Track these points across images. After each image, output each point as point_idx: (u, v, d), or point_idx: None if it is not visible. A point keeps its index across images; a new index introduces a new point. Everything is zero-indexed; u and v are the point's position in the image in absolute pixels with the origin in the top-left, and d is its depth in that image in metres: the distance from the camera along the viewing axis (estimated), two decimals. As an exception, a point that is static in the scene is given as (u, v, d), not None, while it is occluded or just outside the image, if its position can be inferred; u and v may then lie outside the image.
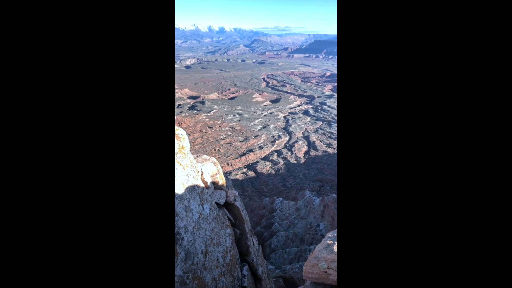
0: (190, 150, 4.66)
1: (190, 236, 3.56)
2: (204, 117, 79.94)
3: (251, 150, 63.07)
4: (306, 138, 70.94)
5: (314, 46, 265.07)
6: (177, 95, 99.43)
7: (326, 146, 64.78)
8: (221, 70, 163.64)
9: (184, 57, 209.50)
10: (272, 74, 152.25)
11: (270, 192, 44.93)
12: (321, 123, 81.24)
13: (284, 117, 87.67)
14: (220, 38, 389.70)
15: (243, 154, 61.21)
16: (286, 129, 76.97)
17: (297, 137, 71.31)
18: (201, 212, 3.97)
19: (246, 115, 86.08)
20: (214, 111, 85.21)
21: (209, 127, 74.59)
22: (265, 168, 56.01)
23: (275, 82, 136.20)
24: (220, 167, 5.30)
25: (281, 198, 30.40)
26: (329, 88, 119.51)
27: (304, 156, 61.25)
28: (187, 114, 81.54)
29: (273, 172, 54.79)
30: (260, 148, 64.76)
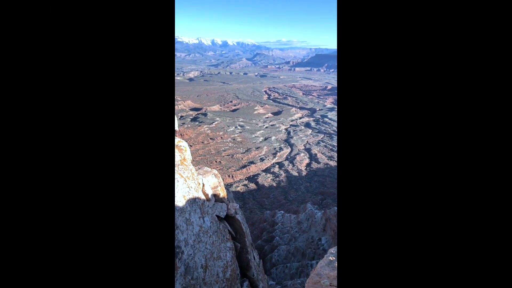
0: (191, 162, 4.66)
1: (190, 250, 3.50)
2: (206, 128, 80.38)
3: (252, 162, 62.94)
4: (308, 150, 70.87)
5: (316, 60, 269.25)
6: (179, 106, 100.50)
7: (328, 159, 64.60)
8: (224, 82, 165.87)
9: (188, 69, 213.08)
10: (274, 87, 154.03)
11: (271, 205, 44.48)
12: (323, 135, 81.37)
13: (286, 129, 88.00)
14: (223, 52, 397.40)
15: (244, 166, 61.05)
16: (287, 141, 77.08)
17: (298, 149, 71.27)
18: (201, 225, 3.92)
19: (248, 127, 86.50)
20: (216, 122, 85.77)
21: (210, 138, 74.84)
22: (266, 180, 55.69)
23: (276, 94, 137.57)
24: (221, 179, 5.28)
25: (282, 211, 30.05)
26: (330, 101, 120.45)
27: (305, 169, 60.98)
28: (189, 125, 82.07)
29: (274, 184, 54.42)
30: (262, 160, 64.64)
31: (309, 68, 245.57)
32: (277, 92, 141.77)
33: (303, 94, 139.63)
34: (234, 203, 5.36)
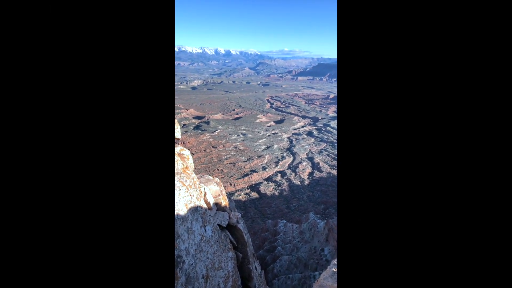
0: (193, 170, 4.65)
1: (191, 260, 3.46)
2: (209, 136, 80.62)
3: (254, 171, 62.74)
4: (310, 159, 70.62)
5: (318, 69, 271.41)
6: (182, 115, 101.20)
7: (330, 168, 64.23)
8: (227, 91, 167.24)
9: (191, 78, 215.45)
10: (276, 96, 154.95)
11: (274, 214, 44.06)
12: (325, 144, 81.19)
13: (288, 137, 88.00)
14: (226, 61, 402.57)
15: (246, 175, 60.84)
16: (290, 150, 76.95)
17: (301, 158, 71.04)
18: (203, 234, 3.89)
19: (250, 135, 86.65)
20: (218, 131, 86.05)
21: (213, 146, 74.95)
22: (268, 189, 55.36)
23: (279, 103, 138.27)
24: (223, 188, 5.25)
25: (284, 221, 29.72)
26: (332, 110, 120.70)
27: (308, 178, 60.61)
28: (191, 133, 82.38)
29: (276, 193, 54.05)
30: (264, 168, 64.43)
31: (311, 77, 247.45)
32: (280, 101, 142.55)
33: (306, 103, 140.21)
34: (236, 212, 5.32)
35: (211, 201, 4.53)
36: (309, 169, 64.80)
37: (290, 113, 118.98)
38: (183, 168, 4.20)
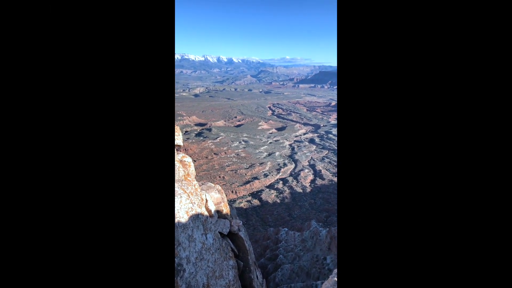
0: (195, 177, 4.64)
1: (192, 268, 3.42)
2: (210, 143, 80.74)
3: (256, 178, 62.52)
4: (312, 166, 70.36)
5: (320, 77, 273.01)
6: (184, 122, 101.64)
7: (332, 175, 63.88)
8: (229, 98, 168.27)
9: (193, 86, 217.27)
10: (278, 103, 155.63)
11: (275, 222, 43.69)
12: (327, 151, 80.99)
13: (290, 145, 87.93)
14: (228, 69, 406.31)
15: (248, 182, 60.61)
16: (291, 157, 76.77)
17: (302, 165, 70.81)
18: (204, 242, 3.85)
19: (252, 142, 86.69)
20: (220, 138, 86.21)
21: (214, 153, 74.97)
22: (270, 196, 55.04)
23: (280, 110, 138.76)
24: (225, 195, 5.23)
25: (286, 229, 29.44)
26: (334, 117, 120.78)
27: (310, 185, 60.28)
28: (193, 140, 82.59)
29: (278, 200, 53.71)
30: (265, 175, 64.21)
31: (313, 85, 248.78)
32: (281, 108, 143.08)
33: (307, 110, 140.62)
34: (237, 219, 5.28)
35: (213, 208, 4.50)
36: (311, 177, 64.50)
37: (292, 120, 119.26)
38: (184, 175, 4.19)
